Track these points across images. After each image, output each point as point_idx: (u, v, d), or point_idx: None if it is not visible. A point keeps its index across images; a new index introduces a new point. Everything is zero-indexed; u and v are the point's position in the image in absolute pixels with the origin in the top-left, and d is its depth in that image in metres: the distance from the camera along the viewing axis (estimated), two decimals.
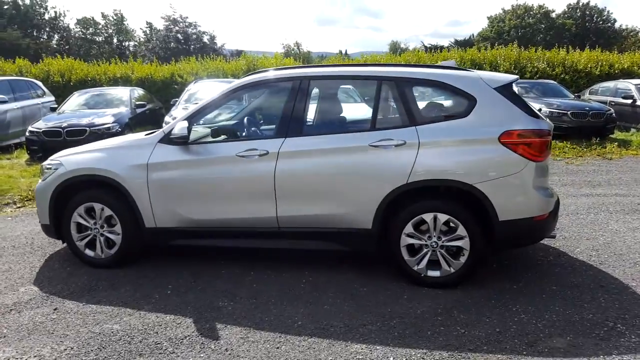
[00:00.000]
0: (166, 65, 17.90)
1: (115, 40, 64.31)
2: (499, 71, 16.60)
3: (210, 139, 3.96)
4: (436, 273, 3.67)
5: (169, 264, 4.23)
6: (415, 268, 3.69)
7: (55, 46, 58.83)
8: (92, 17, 59.43)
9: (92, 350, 2.93)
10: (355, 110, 4.01)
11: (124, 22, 61.44)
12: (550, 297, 3.53)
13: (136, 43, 64.66)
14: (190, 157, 3.91)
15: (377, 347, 2.91)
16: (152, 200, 3.99)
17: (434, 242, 3.64)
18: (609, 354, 2.80)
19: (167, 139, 3.94)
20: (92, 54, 53.30)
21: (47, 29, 58.96)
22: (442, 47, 28.43)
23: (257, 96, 4.68)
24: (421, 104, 3.78)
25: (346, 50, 50.75)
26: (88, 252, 4.22)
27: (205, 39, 58.75)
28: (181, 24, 57.68)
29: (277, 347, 2.93)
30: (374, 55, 21.13)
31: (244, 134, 4.26)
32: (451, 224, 3.59)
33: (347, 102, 4.68)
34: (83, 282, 3.93)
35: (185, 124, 3.85)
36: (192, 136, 3.96)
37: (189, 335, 3.09)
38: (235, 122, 4.48)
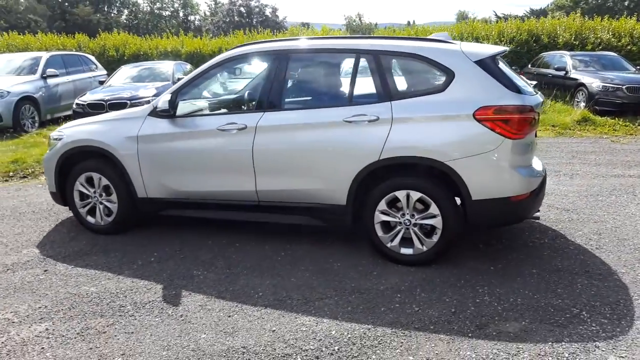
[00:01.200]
0: (215, 39, 18.22)
1: (181, 14, 66.09)
2: (558, 43, 15.56)
3: (195, 112, 4.04)
4: (409, 251, 3.62)
5: (164, 232, 4.43)
6: (389, 245, 3.65)
7: (124, 21, 61.38)
8: None
9: (61, 310, 3.16)
10: (335, 84, 3.93)
11: None
12: (525, 280, 3.39)
13: (201, 17, 66.09)
14: (176, 130, 4.03)
15: (324, 320, 2.94)
16: (143, 171, 4.16)
17: (407, 219, 3.57)
18: (558, 341, 2.67)
19: (154, 112, 4.07)
20: (159, 28, 55.27)
21: (117, 4, 61.45)
22: (515, 17, 26.90)
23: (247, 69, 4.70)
24: (400, 78, 3.66)
25: (414, 21, 48.59)
26: (89, 218, 4.50)
27: (268, 11, 58.98)
28: None
29: (229, 316, 3.03)
30: (442, 26, 19.95)
31: (228, 107, 4.32)
32: (424, 202, 3.50)
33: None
34: (80, 247, 4.21)
35: (168, 97, 3.96)
36: (186, 110, 4.04)
37: (153, 301, 3.25)
38: (222, 96, 4.54)
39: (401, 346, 2.68)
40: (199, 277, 3.59)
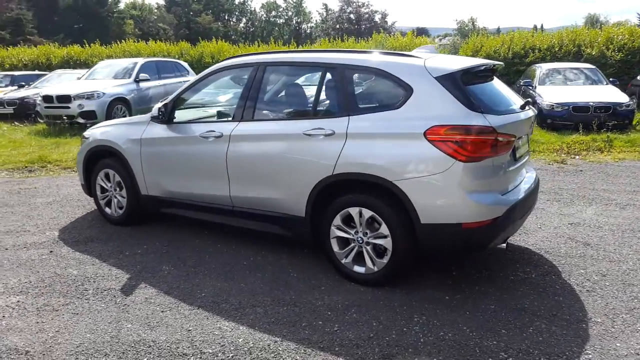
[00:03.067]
0: (305, 46, 18.78)
1: (294, 22, 68.92)
2: None
3: (184, 120, 4.34)
4: (362, 269, 3.54)
5: (165, 228, 4.79)
6: (343, 261, 3.60)
7: (242, 29, 65.56)
8: (275, 1, 64.32)
9: (39, 287, 3.61)
10: (302, 97, 3.96)
11: (303, 5, 65.32)
12: (473, 316, 3.14)
13: (313, 25, 68.32)
14: (168, 135, 4.37)
15: (241, 328, 3.01)
16: (144, 171, 4.56)
17: (360, 237, 3.50)
18: None
19: (153, 118, 4.45)
20: (273, 35, 58.31)
21: (237, 13, 65.84)
22: None
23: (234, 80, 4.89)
24: (362, 93, 3.60)
25: (542, 25, 44.66)
26: (107, 210, 5.02)
27: (377, 17, 59.22)
28: (355, 4, 59.03)
29: (162, 311, 3.24)
30: (574, 29, 17.90)
31: (212, 116, 4.55)
32: (377, 221, 3.41)
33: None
34: (91, 234, 4.72)
35: (160, 105, 4.30)
36: (178, 117, 4.39)
37: (112, 289, 3.57)
38: (211, 105, 4.79)
39: (294, 358, 2.67)
40: (164, 272, 3.85)
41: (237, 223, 4.17)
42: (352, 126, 3.43)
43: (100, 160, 4.95)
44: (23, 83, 14.64)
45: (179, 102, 4.43)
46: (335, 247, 3.61)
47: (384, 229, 3.36)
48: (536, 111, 4.15)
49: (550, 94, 10.89)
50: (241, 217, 4.10)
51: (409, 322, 3.06)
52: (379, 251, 3.45)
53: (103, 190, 5.00)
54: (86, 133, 5.22)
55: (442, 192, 3.16)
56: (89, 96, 11.13)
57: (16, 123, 12.39)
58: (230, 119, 4.11)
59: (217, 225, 4.56)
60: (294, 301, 3.35)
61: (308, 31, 67.92)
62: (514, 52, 15.75)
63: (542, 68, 12.39)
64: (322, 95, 3.69)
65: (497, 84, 3.88)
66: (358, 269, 3.54)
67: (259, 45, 19.78)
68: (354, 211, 3.47)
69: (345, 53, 3.81)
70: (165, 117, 4.32)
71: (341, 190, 3.52)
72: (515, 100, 3.75)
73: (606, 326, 3.01)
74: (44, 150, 9.05)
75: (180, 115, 4.48)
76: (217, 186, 4.10)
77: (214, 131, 4.05)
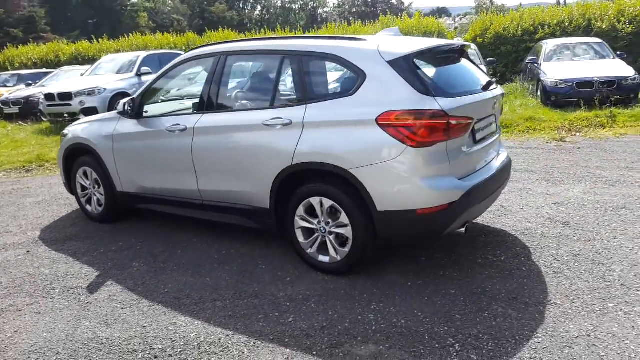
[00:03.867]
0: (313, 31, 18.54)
1: (309, 7, 68.28)
2: None
3: (151, 114, 4.34)
4: (326, 259, 3.51)
5: (144, 225, 4.80)
6: (309, 251, 3.58)
7: (257, 16, 65.20)
8: None
9: (10, 287, 3.67)
10: (262, 86, 3.90)
11: None
12: (431, 301, 3.09)
13: (329, 9, 67.60)
14: (137, 130, 4.37)
15: (197, 322, 3.02)
16: (118, 168, 4.59)
17: (323, 227, 3.47)
18: None
19: (119, 113, 4.46)
20: (289, 22, 57.99)
21: (252, 1, 65.37)
22: None
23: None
24: (318, 80, 3.54)
25: (565, 0, 41.97)
26: (88, 207, 5.07)
27: None
28: None
29: (122, 308, 3.26)
30: (585, 3, 16.82)
31: (178, 109, 4.52)
32: (337, 210, 3.37)
33: None
34: (71, 232, 4.78)
35: (126, 99, 4.30)
36: (146, 111, 4.39)
37: (78, 287, 3.62)
38: (178, 98, 4.76)
39: (238, 355, 2.66)
40: (134, 269, 3.88)
41: (207, 217, 4.17)
42: (309, 115, 3.37)
43: (78, 158, 5.00)
44: (30, 82, 14.87)
45: (147, 96, 4.41)
46: (301, 238, 3.59)
47: (343, 218, 3.32)
48: (502, 90, 4.02)
49: (555, 71, 10.61)
50: (211, 211, 4.10)
51: (365, 310, 3.03)
52: (342, 240, 3.41)
53: (83, 188, 5.05)
54: (65, 131, 5.27)
55: (396, 178, 3.10)
56: (90, 92, 11.23)
57: (20, 123, 12.60)
58: (194, 111, 4.08)
59: (195, 220, 4.55)
60: (255, 293, 3.35)
61: (324, 16, 67.30)
62: (524, 29, 15.35)
63: (548, 44, 12.07)
64: (281, 84, 3.65)
65: (464, 64, 3.78)
66: (323, 258, 3.52)
67: (274, 32, 19.48)
68: (315, 201, 3.43)
69: (302, 39, 3.75)
70: (133, 112, 4.31)
71: (302, 180, 3.48)
72: (479, 80, 3.64)
73: (564, 308, 2.94)
74: (44, 149, 9.18)
75: (153, 109, 4.48)
76: (186, 180, 4.10)
77: (179, 124, 4.04)
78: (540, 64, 11.20)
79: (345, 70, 3.34)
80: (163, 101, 4.58)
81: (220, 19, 50.96)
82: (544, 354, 2.54)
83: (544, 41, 12.59)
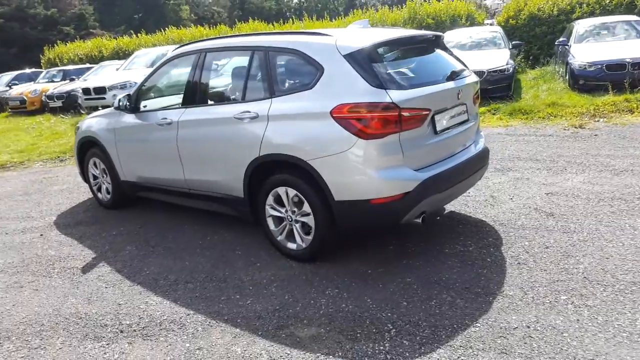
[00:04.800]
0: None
1: None
2: None
3: (144, 109, 4.63)
4: (293, 246, 3.69)
5: (147, 211, 5.15)
6: (279, 239, 3.77)
7: (296, 5, 65.24)
8: None
9: (18, 266, 4.08)
10: (235, 81, 4.07)
11: None
12: (385, 288, 3.21)
13: None
14: (134, 124, 4.68)
15: (165, 302, 3.29)
16: (120, 158, 4.93)
17: (290, 215, 3.64)
18: (331, 354, 2.59)
19: (115, 108, 4.78)
20: (328, 9, 57.78)
21: None
22: None
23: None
24: (283, 75, 3.69)
25: None
26: (99, 195, 5.48)
27: None
28: None
29: (106, 287, 3.58)
30: None
31: (167, 103, 4.77)
32: (301, 200, 3.53)
33: None
34: (82, 218, 5.20)
35: (121, 95, 4.62)
36: (142, 106, 4.69)
37: (74, 267, 3.98)
38: (169, 93, 5.01)
39: (192, 332, 2.90)
40: (126, 252, 4.21)
41: (194, 205, 4.44)
42: (273, 108, 3.54)
43: (89, 149, 5.39)
44: (73, 77, 15.77)
45: (142, 92, 4.71)
46: (271, 225, 3.78)
47: (306, 207, 3.48)
48: (477, 77, 4.02)
49: (584, 53, 10.14)
50: (196, 199, 4.36)
51: (319, 295, 3.19)
52: (307, 229, 3.57)
53: (94, 177, 5.45)
54: (79, 124, 5.68)
55: (349, 169, 3.22)
56: (122, 86, 11.83)
57: (62, 115, 13.44)
58: (180, 106, 4.33)
59: (188, 207, 4.84)
60: (225, 277, 3.58)
61: (363, 1, 66.49)
62: (559, 9, 14.68)
63: (579, 24, 11.53)
64: (250, 79, 3.81)
65: (431, 54, 3.82)
66: (290, 245, 3.70)
67: (312, 21, 19.38)
68: (281, 191, 3.60)
69: (271, 35, 3.89)
70: (129, 106, 4.62)
71: (270, 171, 3.66)
72: (443, 70, 3.67)
73: (514, 299, 2.98)
74: None
75: (151, 104, 4.78)
76: (174, 171, 4.37)
77: (166, 118, 4.30)
78: (570, 46, 10.74)
79: (307, 64, 3.47)
80: (164, 96, 4.86)
81: (259, 9, 51.46)
82: (475, 343, 2.62)
83: (577, 21, 12.04)
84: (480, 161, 3.91)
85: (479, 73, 9.58)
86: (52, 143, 9.86)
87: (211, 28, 20.99)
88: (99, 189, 5.45)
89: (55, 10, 37.27)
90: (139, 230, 4.69)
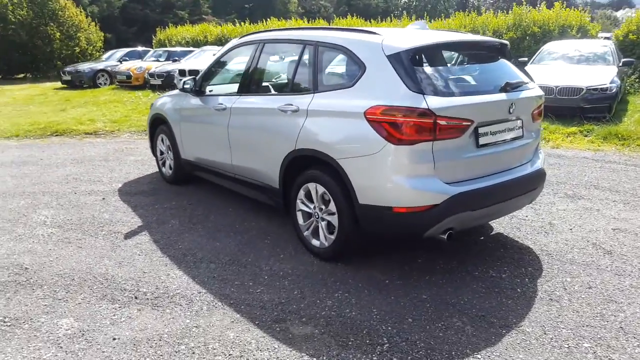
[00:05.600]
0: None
1: None
2: None
3: (206, 93, 4.83)
4: (317, 243, 3.67)
5: (205, 190, 5.36)
6: (305, 234, 3.76)
7: (404, 3, 64.32)
8: None
9: (76, 223, 4.46)
10: (285, 73, 4.06)
11: None
12: (395, 301, 3.08)
13: None
14: (196, 106, 4.90)
15: (183, 277, 3.41)
16: (182, 137, 5.20)
17: (317, 212, 3.62)
18: (292, 349, 2.55)
19: (180, 90, 5.03)
20: (438, 9, 56.45)
21: None
22: None
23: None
24: (328, 70, 3.65)
25: None
26: (163, 169, 5.83)
27: None
28: None
29: (138, 255, 3.79)
30: None
31: (225, 89, 4.90)
32: (328, 199, 3.49)
33: None
34: (144, 188, 5.56)
35: (185, 78, 4.84)
36: (204, 89, 4.90)
37: (119, 232, 4.26)
38: (229, 80, 5.13)
39: (197, 310, 2.98)
40: (169, 225, 4.43)
41: (238, 190, 4.57)
42: (313, 103, 3.52)
43: (159, 126, 5.74)
44: (177, 58, 16.86)
45: (207, 77, 4.91)
46: (300, 220, 3.78)
47: (332, 206, 3.44)
48: (541, 92, 3.70)
49: None
50: (241, 185, 4.47)
51: (327, 297, 3.14)
52: (331, 228, 3.53)
53: (161, 152, 5.80)
54: (154, 101, 6.06)
55: (375, 173, 3.12)
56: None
57: (159, 93, 14.42)
58: (236, 93, 4.46)
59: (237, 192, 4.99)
60: (246, 263, 3.64)
61: (475, 3, 64.07)
62: None
63: None
64: (298, 72, 3.82)
65: (490, 62, 3.59)
66: (315, 242, 3.67)
67: (417, 19, 19.10)
68: (312, 186, 3.59)
69: (324, 30, 3.87)
70: (193, 89, 4.84)
71: (305, 165, 3.66)
72: (497, 81, 3.41)
73: (529, 337, 2.73)
74: None
75: (213, 89, 4.97)
76: (224, 155, 4.52)
77: (222, 104, 4.46)
78: None
79: (351, 62, 3.41)
80: (225, 83, 5.04)
81: (365, 6, 51.40)
82: None
83: None
84: (531, 183, 3.60)
85: (576, 90, 8.88)
86: (143, 117, 10.62)
87: (310, 21, 21.36)
88: (164, 164, 5.79)
89: None
90: (188, 206, 4.91)
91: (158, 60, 17.60)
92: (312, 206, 3.64)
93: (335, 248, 3.50)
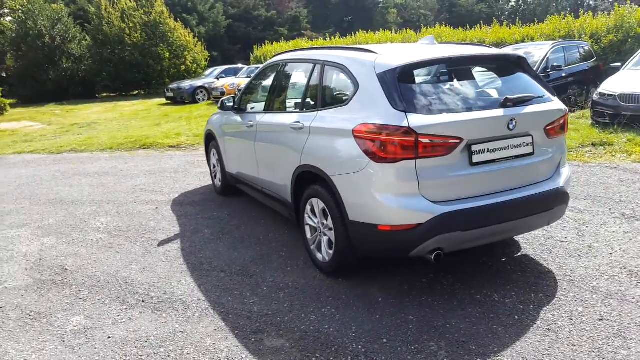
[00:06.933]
0: (524, 27, 16.81)
1: None
2: None
3: (243, 111, 5.12)
4: (320, 257, 3.74)
5: (245, 202, 5.67)
6: (311, 247, 3.85)
7: (510, 8, 61.27)
8: None
9: (123, 230, 4.96)
10: (298, 91, 4.14)
11: None
12: (378, 320, 3.05)
13: None
14: (233, 123, 5.22)
15: (191, 284, 3.66)
16: (226, 151, 5.56)
17: (320, 227, 3.70)
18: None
19: (219, 108, 5.38)
20: (549, 13, 52.97)
21: None
22: None
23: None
24: (331, 89, 3.72)
25: None
26: (215, 181, 6.24)
27: None
28: None
29: (162, 262, 4.13)
30: None
31: (258, 108, 5.11)
32: (327, 214, 3.56)
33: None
34: (194, 199, 6.00)
35: (224, 98, 5.17)
36: (249, 109, 5.20)
37: (156, 240, 4.65)
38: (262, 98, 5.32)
39: (189, 316, 3.20)
40: (200, 234, 4.75)
41: (265, 202, 4.77)
42: (315, 121, 3.62)
43: (211, 141, 6.17)
44: None
45: (244, 95, 5.21)
46: (308, 234, 3.88)
47: (329, 222, 3.50)
48: (558, 106, 3.43)
49: None
50: (267, 197, 4.67)
51: (314, 311, 3.20)
52: (331, 243, 3.58)
53: (213, 165, 6.22)
54: (210, 117, 6.52)
55: (361, 191, 3.13)
56: None
57: None
58: (261, 110, 4.68)
59: None
60: (253, 274, 3.81)
61: (591, 3, 59.14)
62: None
63: None
64: (307, 91, 3.94)
65: (496, 77, 3.44)
66: (318, 256, 3.75)
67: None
68: (315, 202, 3.67)
69: (331, 50, 3.93)
70: (232, 107, 5.15)
71: (309, 180, 3.75)
72: (503, 95, 3.24)
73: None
74: None
75: (249, 107, 5.26)
76: (253, 168, 4.77)
77: (251, 121, 4.71)
78: None
79: (348, 80, 3.45)
80: (258, 102, 5.31)
81: (468, 13, 49.74)
82: None
83: None
84: (545, 203, 3.35)
85: None
86: None
87: (397, 33, 21.27)
88: (215, 176, 6.20)
89: (274, 12, 42.13)
90: (226, 217, 5.22)
91: (249, 77, 18.63)
92: (316, 221, 3.72)
93: (333, 264, 3.55)
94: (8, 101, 21.08)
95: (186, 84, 21.26)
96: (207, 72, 23.52)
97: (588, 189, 5.51)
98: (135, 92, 29.28)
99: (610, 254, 3.88)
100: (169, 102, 21.32)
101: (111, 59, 27.25)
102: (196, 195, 6.18)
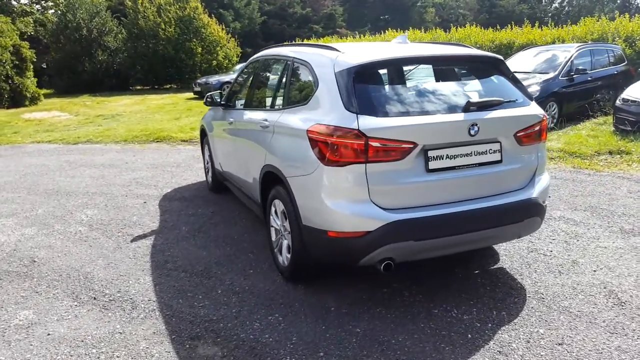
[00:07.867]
0: (556, 29, 16.11)
1: None
2: None
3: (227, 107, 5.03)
4: (281, 261, 3.61)
5: (237, 202, 5.58)
6: (275, 251, 3.73)
7: (554, 10, 59.19)
8: None
9: (105, 223, 4.98)
10: (271, 89, 3.99)
11: None
12: (320, 331, 2.91)
13: None
14: (219, 118, 5.15)
15: (154, 283, 3.62)
16: (214, 147, 5.50)
17: (281, 229, 3.57)
18: None
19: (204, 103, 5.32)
20: (592, 14, 50.92)
21: None
22: None
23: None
24: (296, 86, 3.58)
25: None
26: (207, 177, 6.20)
27: None
28: None
29: (134, 257, 4.09)
30: None
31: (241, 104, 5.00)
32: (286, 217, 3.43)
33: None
34: (185, 194, 5.97)
35: (211, 93, 5.10)
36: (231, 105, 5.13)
37: (131, 235, 4.63)
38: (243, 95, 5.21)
39: (133, 317, 3.14)
40: (176, 231, 4.70)
41: (245, 201, 4.67)
42: (280, 119, 3.49)
43: (204, 136, 6.13)
44: None
45: (230, 91, 5.12)
46: (272, 236, 3.75)
47: (287, 225, 3.37)
48: (534, 111, 3.18)
49: None
50: (244, 196, 4.57)
51: (260, 319, 3.07)
52: (289, 247, 3.45)
53: (207, 162, 6.18)
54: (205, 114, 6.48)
55: (311, 194, 2.99)
56: None
57: None
58: (241, 107, 4.59)
59: None
60: (213, 275, 3.71)
61: (637, 3, 56.48)
62: None
63: None
64: (277, 88, 3.82)
65: (463, 79, 3.25)
66: (280, 260, 3.62)
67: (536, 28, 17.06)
68: (277, 203, 3.55)
69: (301, 47, 3.79)
70: (218, 102, 5.06)
71: (274, 181, 3.63)
72: (458, 100, 3.02)
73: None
74: None
75: (232, 103, 5.16)
76: (233, 166, 4.70)
77: (231, 118, 4.63)
78: None
79: (311, 78, 3.30)
80: (239, 99, 5.21)
81: (508, 13, 48.25)
82: None
83: None
84: (514, 214, 3.12)
85: None
86: None
87: (426, 32, 20.80)
88: (208, 172, 6.16)
89: (309, 9, 42.01)
90: (209, 214, 5.16)
91: None
92: (279, 223, 3.59)
93: (290, 268, 3.42)
94: (42, 91, 21.81)
95: (214, 78, 21.44)
96: (237, 67, 23.63)
97: (591, 199, 5.17)
98: (168, 86, 29.79)
99: (594, 271, 3.60)
100: (197, 96, 21.54)
101: (145, 53, 27.77)
102: (188, 190, 6.15)
